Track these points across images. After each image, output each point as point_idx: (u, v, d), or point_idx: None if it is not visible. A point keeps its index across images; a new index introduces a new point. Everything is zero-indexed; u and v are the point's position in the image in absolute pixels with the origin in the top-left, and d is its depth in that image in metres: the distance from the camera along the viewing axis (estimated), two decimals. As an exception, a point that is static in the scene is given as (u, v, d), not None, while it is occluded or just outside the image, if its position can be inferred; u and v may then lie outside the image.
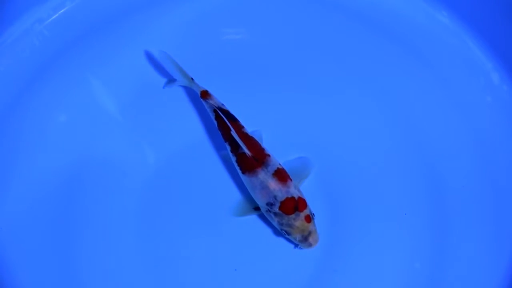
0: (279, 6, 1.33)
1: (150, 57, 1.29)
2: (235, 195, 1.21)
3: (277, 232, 1.16)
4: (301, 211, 1.08)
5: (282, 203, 1.08)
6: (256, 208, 1.16)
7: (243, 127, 1.15)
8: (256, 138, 1.15)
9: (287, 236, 1.11)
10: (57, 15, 1.33)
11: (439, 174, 1.22)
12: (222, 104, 1.17)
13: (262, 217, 1.18)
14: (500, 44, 1.27)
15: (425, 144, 1.24)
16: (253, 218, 1.19)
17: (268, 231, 1.18)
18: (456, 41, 1.30)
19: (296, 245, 1.14)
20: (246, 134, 1.14)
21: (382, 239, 1.18)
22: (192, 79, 1.20)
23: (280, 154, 1.16)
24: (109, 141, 1.24)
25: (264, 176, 1.10)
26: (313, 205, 1.12)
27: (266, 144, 1.16)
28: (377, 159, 1.23)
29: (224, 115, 1.14)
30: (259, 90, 1.27)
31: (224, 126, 1.14)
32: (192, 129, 1.25)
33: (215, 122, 1.17)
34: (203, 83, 1.20)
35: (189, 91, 1.26)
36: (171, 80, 1.26)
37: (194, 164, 1.23)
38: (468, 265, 1.17)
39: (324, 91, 1.27)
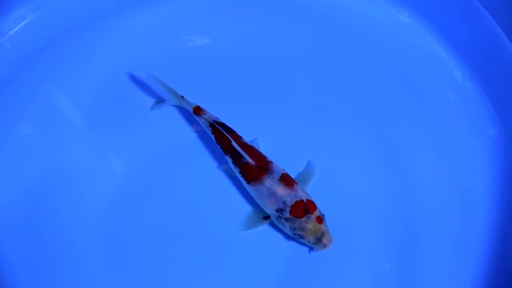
0: (241, 11, 1.34)
1: (114, 67, 1.28)
2: (204, 205, 1.20)
3: (248, 238, 1.17)
4: (312, 213, 1.10)
5: (292, 207, 1.09)
6: (266, 217, 1.15)
7: (241, 137, 1.16)
8: (255, 147, 1.17)
9: (300, 240, 1.12)
10: (18, 27, 1.31)
11: (406, 173, 1.23)
12: (217, 117, 1.17)
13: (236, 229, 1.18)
14: (462, 42, 1.29)
15: (390, 144, 1.25)
16: (227, 225, 1.19)
17: (237, 237, 1.18)
18: (419, 40, 1.32)
19: (311, 249, 1.15)
20: (246, 143, 1.16)
21: (351, 240, 1.18)
22: (182, 97, 1.20)
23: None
24: (75, 153, 1.23)
25: (270, 183, 1.11)
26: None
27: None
28: (343, 159, 1.23)
29: (221, 128, 1.15)
30: (227, 96, 1.27)
31: (223, 139, 1.15)
32: (160, 139, 1.24)
33: (212, 136, 1.17)
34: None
35: (151, 98, 1.27)
36: (159, 101, 1.24)
37: (161, 174, 1.22)
38: (437, 265, 1.17)
39: (288, 93, 1.28)
